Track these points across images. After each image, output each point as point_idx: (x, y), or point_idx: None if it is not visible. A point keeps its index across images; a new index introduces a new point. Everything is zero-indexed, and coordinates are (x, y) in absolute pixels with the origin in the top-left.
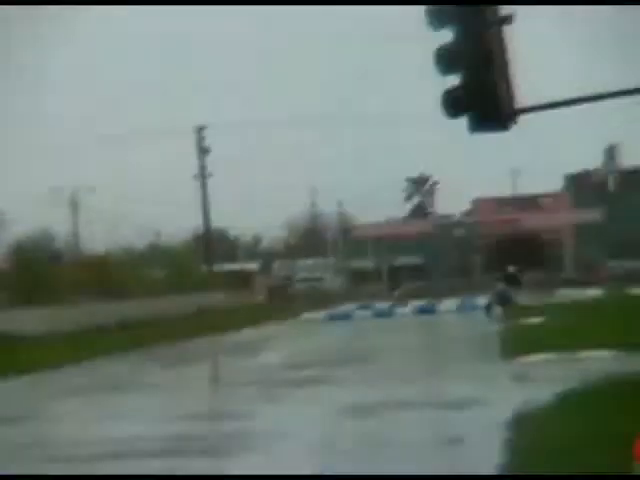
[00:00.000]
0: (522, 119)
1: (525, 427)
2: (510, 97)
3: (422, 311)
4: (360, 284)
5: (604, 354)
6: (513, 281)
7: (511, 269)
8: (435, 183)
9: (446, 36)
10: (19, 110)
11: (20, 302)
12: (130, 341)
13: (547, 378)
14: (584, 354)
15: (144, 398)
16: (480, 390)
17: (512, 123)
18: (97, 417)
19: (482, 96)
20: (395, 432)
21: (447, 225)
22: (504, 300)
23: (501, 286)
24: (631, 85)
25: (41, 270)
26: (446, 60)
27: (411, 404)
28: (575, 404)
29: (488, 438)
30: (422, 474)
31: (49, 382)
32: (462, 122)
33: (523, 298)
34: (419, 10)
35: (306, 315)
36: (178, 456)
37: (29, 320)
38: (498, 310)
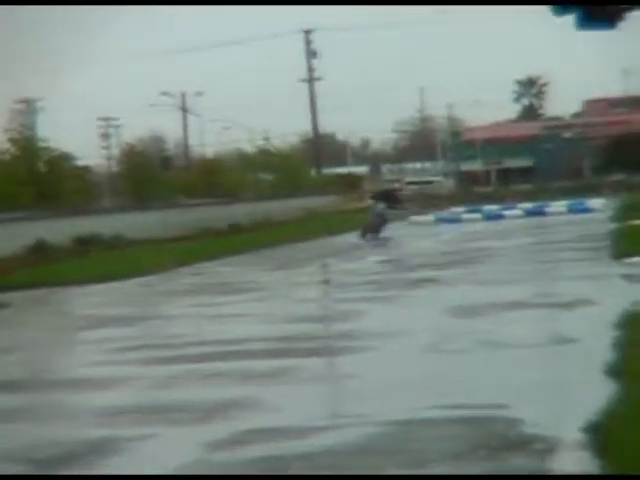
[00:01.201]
0: (632, 16)
1: (636, 326)
2: None
3: (532, 213)
4: (469, 187)
5: None
6: (393, 200)
7: (395, 185)
8: (545, 84)
9: None
10: (134, 18)
11: (132, 206)
12: (242, 244)
13: None
14: None
15: (255, 299)
16: (590, 289)
17: (620, 20)
18: (207, 317)
19: None
20: (506, 332)
21: (557, 127)
22: (379, 222)
23: (380, 206)
24: None
25: (152, 174)
26: None
27: (522, 304)
28: None
29: (599, 337)
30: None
31: (163, 283)
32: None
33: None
34: None
35: (415, 218)
36: (288, 356)
37: (141, 223)
38: (371, 235)
